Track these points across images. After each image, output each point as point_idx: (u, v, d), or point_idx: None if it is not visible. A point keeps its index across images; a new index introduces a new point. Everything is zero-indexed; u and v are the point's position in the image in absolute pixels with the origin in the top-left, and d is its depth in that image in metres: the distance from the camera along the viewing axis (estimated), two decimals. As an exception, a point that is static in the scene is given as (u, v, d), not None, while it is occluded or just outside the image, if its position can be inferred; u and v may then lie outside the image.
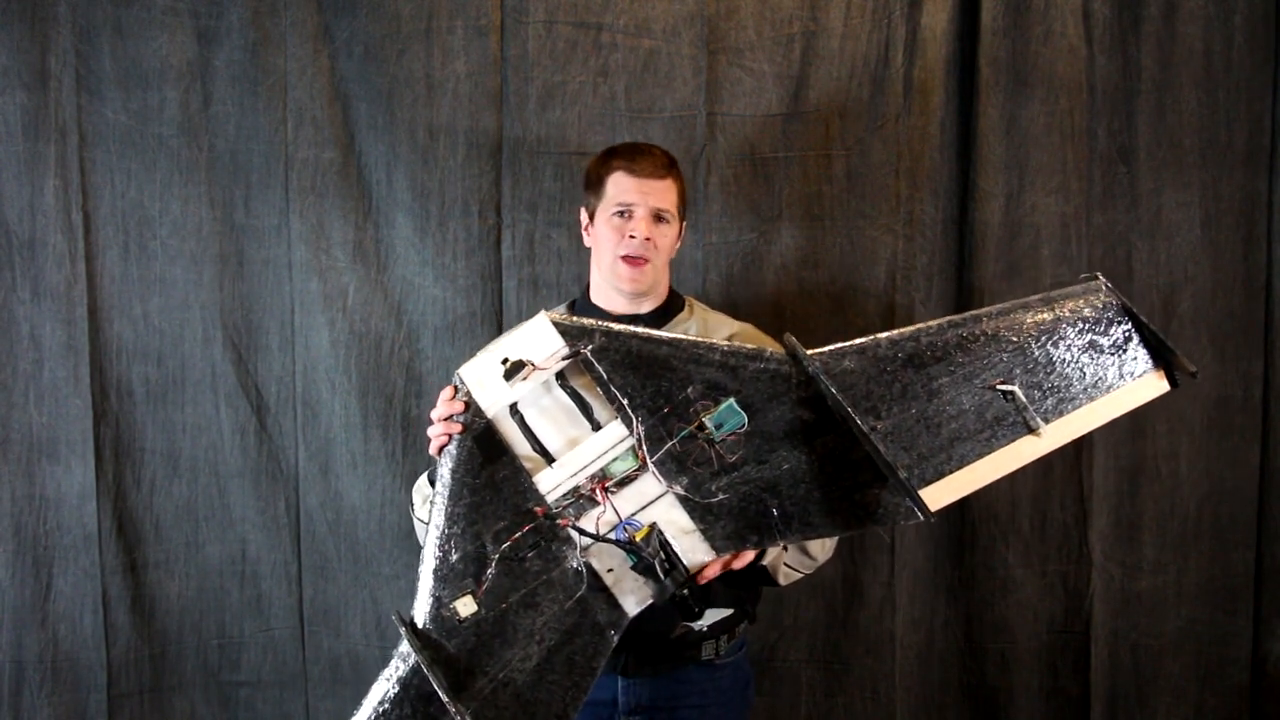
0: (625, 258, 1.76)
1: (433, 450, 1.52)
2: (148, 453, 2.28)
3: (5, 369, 2.24)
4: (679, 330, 1.82)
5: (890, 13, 2.22)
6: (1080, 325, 1.48)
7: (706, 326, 1.85)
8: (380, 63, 2.23)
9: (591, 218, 1.82)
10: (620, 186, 1.76)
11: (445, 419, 1.47)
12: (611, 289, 1.81)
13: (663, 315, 1.83)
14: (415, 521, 1.83)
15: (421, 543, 1.81)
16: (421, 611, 1.47)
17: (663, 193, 1.77)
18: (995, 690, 2.35)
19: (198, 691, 2.33)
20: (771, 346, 1.84)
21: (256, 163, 2.26)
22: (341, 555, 2.31)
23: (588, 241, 1.85)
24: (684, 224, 1.86)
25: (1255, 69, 2.27)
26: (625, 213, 1.76)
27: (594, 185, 1.81)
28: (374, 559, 2.31)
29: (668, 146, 2.17)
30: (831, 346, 1.45)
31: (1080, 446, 2.27)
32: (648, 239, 1.75)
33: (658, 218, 1.76)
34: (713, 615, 1.75)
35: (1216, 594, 2.36)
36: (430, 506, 1.77)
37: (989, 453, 1.45)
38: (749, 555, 1.52)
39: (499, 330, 2.23)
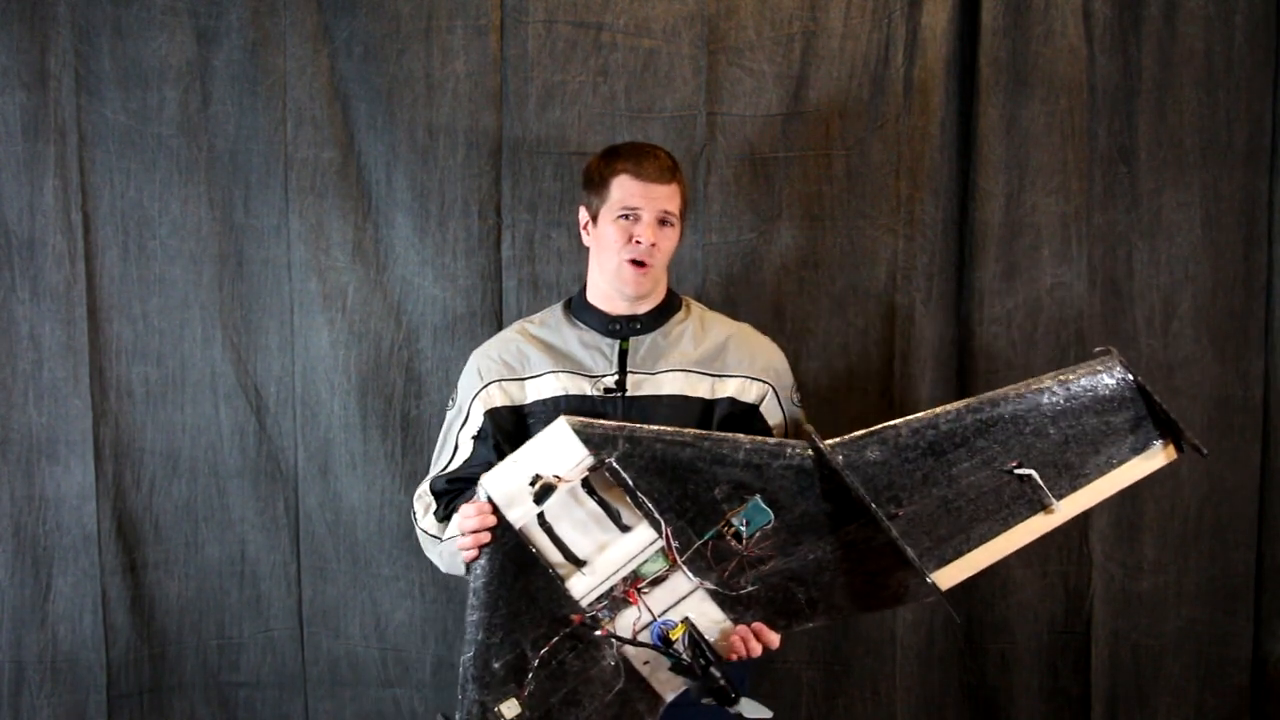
0: (631, 261, 1.76)
1: (465, 559, 1.53)
2: (147, 453, 2.28)
3: (5, 369, 2.24)
4: (675, 330, 1.82)
5: (890, 13, 2.22)
6: (1095, 406, 1.51)
7: (704, 326, 1.85)
8: (380, 63, 2.23)
9: (594, 218, 1.81)
10: (626, 190, 1.75)
11: (474, 532, 1.48)
12: (613, 290, 1.80)
13: (660, 316, 1.83)
14: (419, 532, 1.82)
15: (427, 553, 1.82)
16: (466, 716, 1.51)
17: (668, 197, 1.76)
18: (995, 690, 2.34)
19: (197, 692, 2.32)
20: (768, 347, 1.86)
21: (256, 163, 2.25)
22: (340, 556, 2.31)
23: (586, 241, 1.84)
24: (684, 224, 1.86)
25: (1255, 69, 2.27)
26: (631, 216, 1.75)
27: (596, 186, 1.79)
28: (373, 560, 2.30)
29: (668, 146, 2.17)
30: (852, 435, 1.50)
31: (1080, 447, 2.27)
32: (654, 244, 1.75)
33: (662, 222, 1.76)
34: None
35: (1217, 594, 2.36)
36: (437, 522, 1.79)
37: (1004, 531, 1.51)
38: (774, 636, 1.55)
39: (498, 329, 2.22)
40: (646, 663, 1.53)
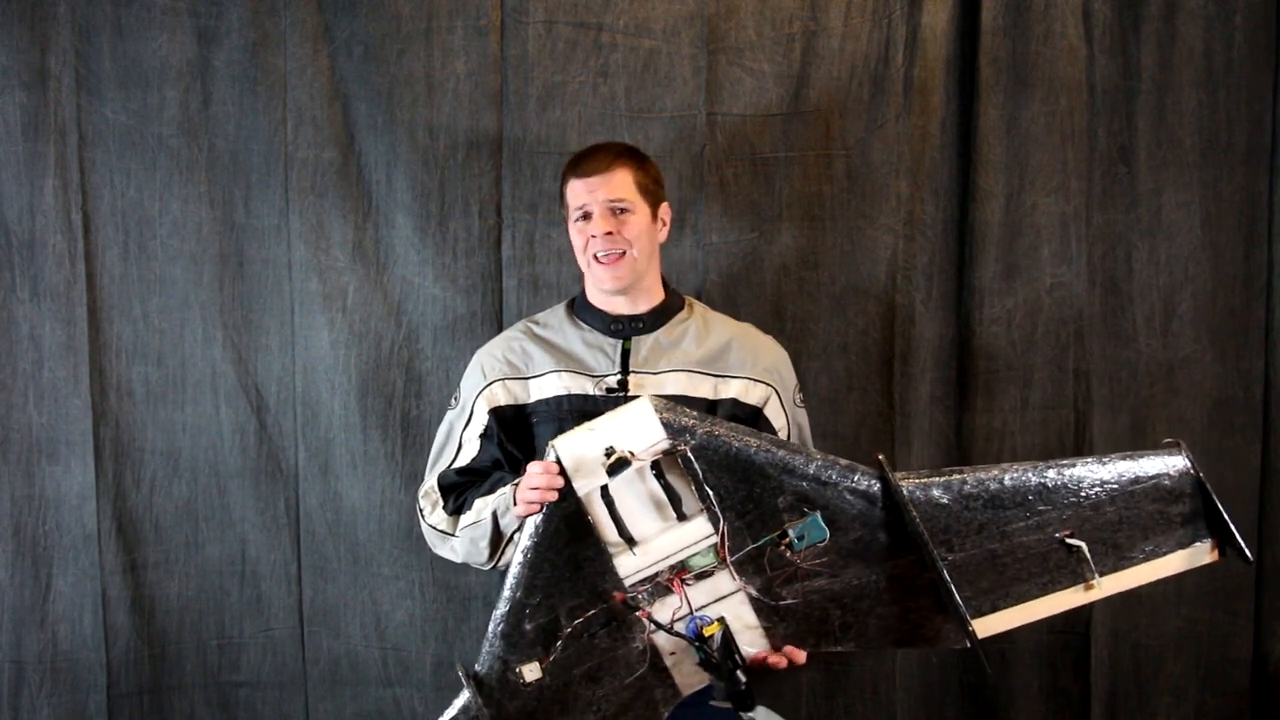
0: (596, 258, 1.77)
1: (517, 513, 1.54)
2: (147, 453, 2.28)
3: (5, 369, 2.24)
4: (678, 330, 1.83)
5: (890, 13, 2.22)
6: (1154, 494, 1.53)
7: (707, 326, 1.85)
8: (380, 63, 2.23)
9: (567, 229, 1.86)
10: (575, 193, 1.79)
11: (537, 489, 1.48)
12: (600, 291, 1.82)
13: (661, 315, 1.83)
14: (428, 530, 1.82)
15: (437, 550, 1.83)
16: (487, 670, 1.51)
17: (613, 183, 1.77)
18: (995, 690, 2.34)
19: (197, 692, 2.32)
20: (771, 348, 1.86)
21: (256, 162, 2.25)
22: (341, 555, 2.31)
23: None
24: (660, 208, 1.84)
25: (1255, 69, 2.27)
26: (585, 216, 1.78)
27: (561, 199, 1.85)
28: (373, 559, 2.30)
29: (668, 146, 2.18)
30: (920, 473, 1.53)
31: (1082, 448, 2.27)
32: (608, 233, 1.75)
33: (616, 210, 1.77)
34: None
35: (1216, 594, 2.35)
36: (448, 516, 1.79)
37: (1042, 596, 1.55)
38: (802, 655, 1.56)
39: (499, 328, 2.22)
40: (673, 654, 1.53)
